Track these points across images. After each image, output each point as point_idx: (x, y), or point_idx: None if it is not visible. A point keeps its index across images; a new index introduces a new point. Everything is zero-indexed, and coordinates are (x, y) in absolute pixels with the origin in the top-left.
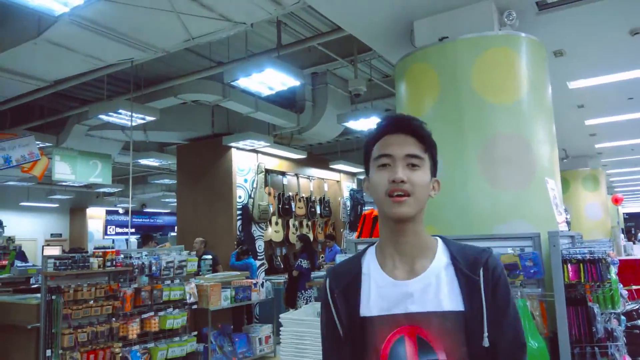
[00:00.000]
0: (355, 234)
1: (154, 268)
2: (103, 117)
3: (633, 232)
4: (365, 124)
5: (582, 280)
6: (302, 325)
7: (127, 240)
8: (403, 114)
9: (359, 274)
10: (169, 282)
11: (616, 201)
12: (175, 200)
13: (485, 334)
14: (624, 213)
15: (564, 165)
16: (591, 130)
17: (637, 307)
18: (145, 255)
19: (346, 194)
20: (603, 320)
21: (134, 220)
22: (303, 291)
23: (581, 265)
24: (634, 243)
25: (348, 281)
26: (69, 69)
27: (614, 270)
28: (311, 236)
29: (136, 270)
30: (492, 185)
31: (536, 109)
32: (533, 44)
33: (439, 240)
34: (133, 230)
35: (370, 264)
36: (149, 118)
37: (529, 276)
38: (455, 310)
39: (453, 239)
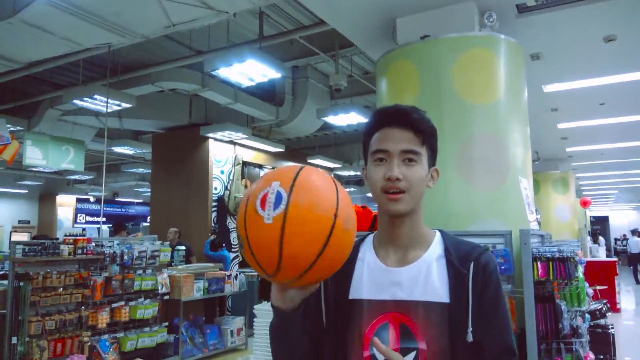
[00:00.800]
0: None
1: (125, 257)
2: (77, 102)
3: (598, 234)
4: (345, 119)
5: (551, 278)
6: None
7: (98, 228)
8: (401, 105)
9: (354, 259)
10: (140, 271)
11: (584, 204)
12: (149, 190)
13: (469, 329)
14: (590, 216)
15: (535, 167)
16: (563, 134)
17: (601, 307)
18: (117, 244)
19: None
20: (569, 317)
21: (105, 209)
22: None
23: (550, 263)
24: (598, 245)
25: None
26: (44, 51)
27: (581, 269)
28: None
29: (107, 258)
30: (468, 183)
31: (512, 111)
32: (512, 46)
33: (437, 233)
34: (104, 219)
35: (366, 251)
36: (125, 105)
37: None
38: (441, 302)
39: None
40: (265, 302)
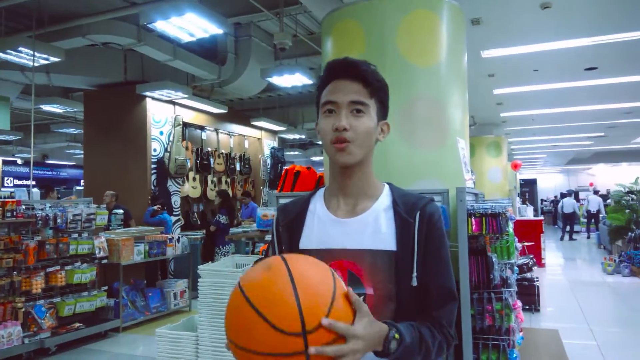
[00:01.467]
0: (277, 190)
1: (59, 221)
2: (0, 54)
3: (527, 196)
4: (290, 80)
5: (484, 232)
6: (221, 276)
7: (29, 190)
8: (350, 58)
9: (304, 211)
10: (76, 235)
11: (515, 167)
12: (81, 151)
13: (414, 274)
14: (520, 179)
15: (471, 132)
16: (498, 100)
17: (528, 261)
18: (50, 207)
19: (267, 151)
20: (499, 269)
21: (34, 172)
22: (221, 246)
23: (483, 218)
24: (527, 205)
25: (293, 216)
26: None
27: (511, 225)
28: (230, 193)
29: (40, 222)
30: (410, 144)
31: (453, 74)
32: (454, 10)
33: (386, 186)
34: (34, 182)
35: (317, 203)
36: (53, 59)
37: None
38: (388, 250)
39: None
40: (210, 263)
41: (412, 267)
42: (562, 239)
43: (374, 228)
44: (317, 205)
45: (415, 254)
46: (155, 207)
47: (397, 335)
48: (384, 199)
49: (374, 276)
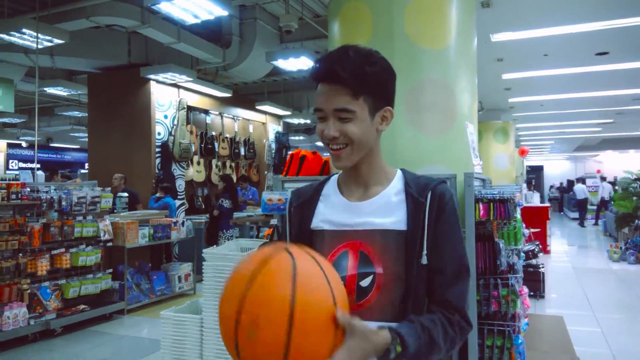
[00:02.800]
0: (282, 174)
1: (64, 203)
2: (4, 36)
3: (533, 183)
4: (295, 64)
5: (491, 218)
6: (225, 259)
7: (33, 173)
8: (333, 53)
9: (317, 194)
10: (80, 218)
11: (522, 153)
12: (86, 135)
13: (424, 252)
14: (527, 165)
15: (478, 117)
16: (507, 85)
17: (533, 248)
18: (55, 190)
19: (272, 136)
20: (506, 255)
21: (39, 155)
22: (225, 230)
23: (491, 204)
24: (533, 192)
25: (306, 198)
26: None
27: (518, 211)
28: (234, 177)
29: (44, 204)
30: (417, 129)
31: (462, 58)
32: None
33: (399, 171)
34: (39, 165)
35: (330, 188)
36: (57, 41)
37: None
38: (398, 230)
39: None
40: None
41: (423, 246)
42: (582, 225)
43: (385, 209)
44: (330, 190)
45: (426, 232)
46: (158, 195)
47: (398, 348)
48: (397, 182)
49: (384, 256)
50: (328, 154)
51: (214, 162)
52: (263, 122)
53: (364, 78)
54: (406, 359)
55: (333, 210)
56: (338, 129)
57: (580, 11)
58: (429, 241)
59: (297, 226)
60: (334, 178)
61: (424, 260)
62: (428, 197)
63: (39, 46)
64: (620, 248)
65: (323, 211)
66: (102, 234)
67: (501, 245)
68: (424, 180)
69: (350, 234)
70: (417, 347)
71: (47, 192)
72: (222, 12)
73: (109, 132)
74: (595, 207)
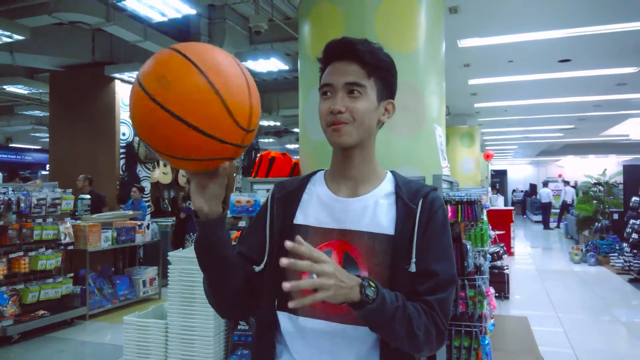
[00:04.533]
0: (251, 176)
1: (22, 205)
2: None
3: (497, 187)
4: (265, 65)
5: (459, 220)
6: (192, 263)
7: None
8: (348, 38)
9: (303, 187)
10: (40, 220)
11: (487, 157)
12: (47, 135)
13: (413, 259)
14: (491, 170)
15: (445, 122)
16: (473, 90)
17: (498, 250)
18: (12, 191)
19: None
20: (473, 256)
21: None
22: (192, 234)
23: (459, 206)
24: (497, 195)
25: (290, 190)
26: None
27: (485, 212)
28: None
29: (2, 206)
30: (387, 130)
31: (431, 61)
32: None
33: (389, 173)
34: None
35: (316, 182)
36: (17, 37)
37: None
38: (386, 234)
39: None
40: (180, 249)
41: (411, 253)
42: (547, 227)
43: (374, 211)
44: (317, 184)
45: (415, 240)
46: (132, 194)
47: (372, 283)
48: (387, 184)
49: (369, 259)
50: (298, 156)
51: None
52: None
53: (378, 61)
54: (379, 304)
55: (319, 205)
56: (345, 104)
57: (544, 19)
58: (418, 249)
59: (281, 219)
60: (321, 173)
61: (413, 268)
62: (419, 204)
63: None
64: (581, 250)
65: (307, 205)
66: (62, 237)
67: (468, 246)
68: (416, 185)
69: (336, 233)
70: (391, 300)
71: (4, 193)
72: (190, 10)
73: (71, 132)
74: (557, 211)
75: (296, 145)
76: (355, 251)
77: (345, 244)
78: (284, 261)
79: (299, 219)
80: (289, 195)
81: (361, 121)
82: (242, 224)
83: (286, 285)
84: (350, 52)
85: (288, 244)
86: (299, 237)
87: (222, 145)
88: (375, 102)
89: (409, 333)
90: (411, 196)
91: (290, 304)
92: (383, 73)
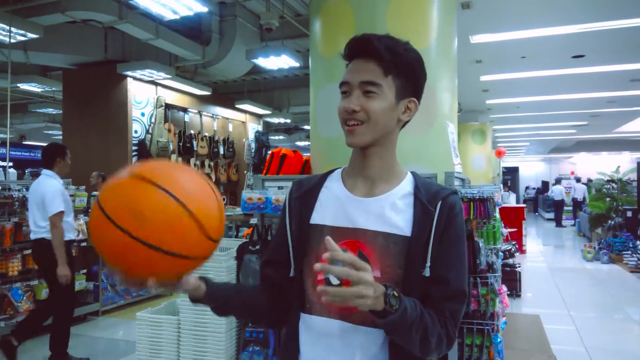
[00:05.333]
0: (262, 173)
1: None
2: None
3: (509, 184)
4: (276, 62)
5: (471, 217)
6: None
7: (5, 171)
8: (368, 34)
9: (319, 185)
10: None
11: (499, 154)
12: (60, 132)
13: (428, 264)
14: (503, 167)
15: (457, 118)
16: (484, 86)
17: (510, 247)
18: (26, 188)
19: (251, 135)
20: (485, 254)
21: (11, 153)
22: None
23: (471, 203)
24: (509, 193)
25: (307, 189)
26: None
27: (497, 210)
28: (213, 177)
29: (17, 203)
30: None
31: (443, 57)
32: None
33: (409, 174)
34: (11, 164)
35: (333, 180)
36: (31, 35)
37: None
38: (402, 235)
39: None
40: None
41: (426, 257)
42: (559, 224)
43: (391, 211)
44: (334, 183)
45: (431, 243)
46: None
47: (395, 293)
48: (406, 184)
49: (383, 259)
50: (307, 154)
51: (192, 161)
52: (243, 121)
53: (397, 57)
54: (401, 314)
55: (336, 204)
56: (360, 103)
57: (558, 14)
58: (433, 252)
59: (298, 218)
60: (338, 171)
61: (427, 273)
62: (438, 207)
63: (12, 40)
64: (594, 248)
65: (324, 204)
66: (76, 234)
67: (480, 244)
68: (435, 187)
69: (351, 232)
70: (411, 309)
71: (19, 190)
72: (201, 8)
73: (84, 130)
74: (570, 208)
75: (306, 143)
76: (369, 251)
77: (360, 243)
78: (317, 266)
79: (315, 218)
80: (307, 194)
81: (376, 121)
82: (253, 220)
83: (317, 266)
84: (367, 50)
85: (326, 255)
86: (329, 239)
87: (194, 261)
88: (393, 100)
89: (422, 339)
90: (430, 198)
91: (321, 294)
92: (402, 70)
